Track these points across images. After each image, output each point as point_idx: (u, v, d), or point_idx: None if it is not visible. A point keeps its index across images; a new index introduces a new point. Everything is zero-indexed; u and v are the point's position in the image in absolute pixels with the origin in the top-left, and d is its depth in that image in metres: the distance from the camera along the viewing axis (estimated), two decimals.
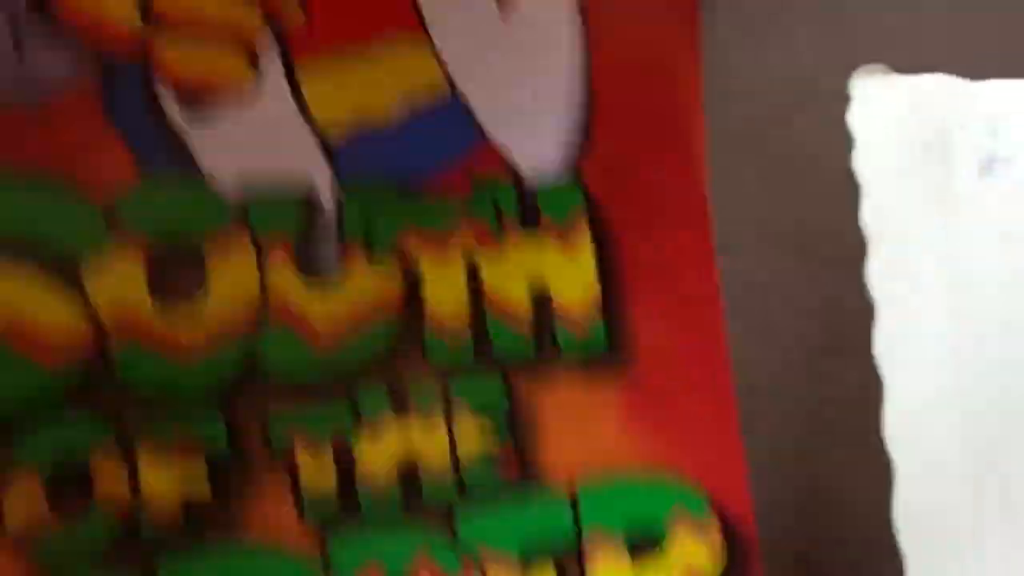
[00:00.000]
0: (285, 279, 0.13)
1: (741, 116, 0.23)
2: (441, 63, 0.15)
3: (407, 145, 0.15)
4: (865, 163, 0.21)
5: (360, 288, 0.14)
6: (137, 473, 0.13)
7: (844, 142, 0.21)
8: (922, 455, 0.19)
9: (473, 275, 0.16)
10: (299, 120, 0.14)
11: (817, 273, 0.22)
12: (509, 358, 0.15)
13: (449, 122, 0.15)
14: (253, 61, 0.13)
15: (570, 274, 0.16)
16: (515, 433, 0.15)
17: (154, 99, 0.12)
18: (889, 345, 0.20)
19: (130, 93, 0.12)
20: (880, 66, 0.21)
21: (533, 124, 0.16)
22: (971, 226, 0.20)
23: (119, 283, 0.12)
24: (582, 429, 0.16)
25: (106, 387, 0.12)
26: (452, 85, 0.15)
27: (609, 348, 0.16)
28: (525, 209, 0.16)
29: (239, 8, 0.13)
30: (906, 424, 0.19)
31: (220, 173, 0.13)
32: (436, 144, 0.15)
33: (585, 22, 0.17)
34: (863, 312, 0.20)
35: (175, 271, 0.13)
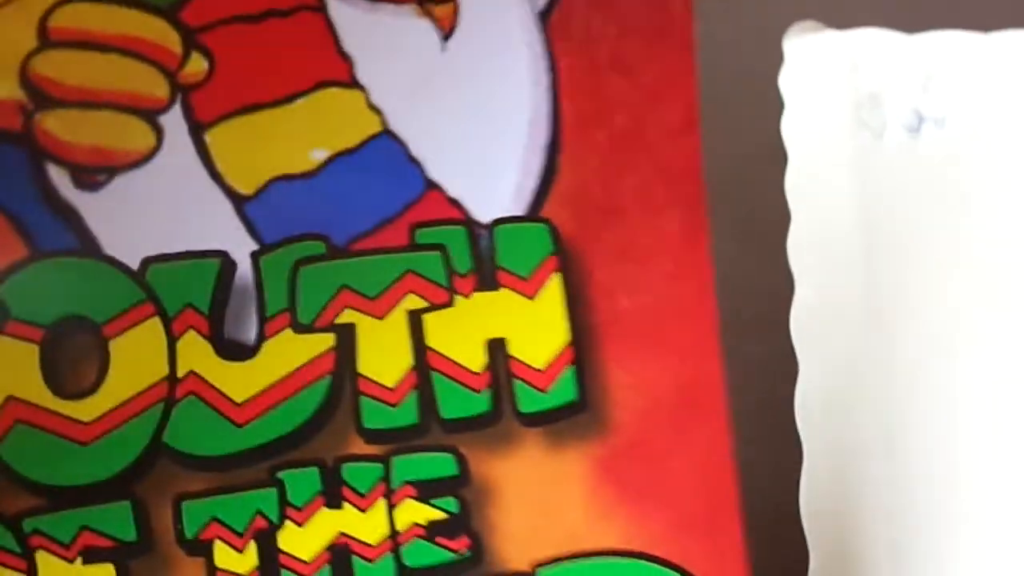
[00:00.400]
0: (198, 354, 0.12)
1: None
2: (373, 107, 0.14)
3: (335, 198, 0.13)
4: (792, 129, 0.20)
5: (285, 358, 0.12)
6: (36, 572, 0.11)
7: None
8: (833, 434, 0.19)
9: (418, 337, 0.14)
10: (207, 180, 0.12)
11: (747, 249, 0.22)
12: (460, 425, 0.13)
13: (384, 169, 0.14)
14: (151, 120, 0.12)
15: (533, 327, 0.14)
16: (466, 512, 0.12)
17: (41, 174, 0.11)
18: (803, 320, 0.20)
19: (14, 170, 0.11)
20: (813, 23, 0.21)
21: (488, 166, 0.15)
22: (893, 193, 0.20)
23: (10, 374, 0.11)
24: (545, 505, 0.13)
25: None
26: (387, 128, 0.14)
27: (580, 404, 0.13)
28: (480, 261, 0.14)
29: (129, 67, 0.12)
30: (817, 402, 0.19)
31: (119, 246, 0.12)
32: (369, 194, 0.14)
33: (547, 34, 0.15)
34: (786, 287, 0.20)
35: (75, 356, 0.12)
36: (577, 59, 0.16)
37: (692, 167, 0.16)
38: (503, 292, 0.14)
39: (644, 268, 0.15)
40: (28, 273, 0.12)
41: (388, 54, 0.15)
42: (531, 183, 0.15)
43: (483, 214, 0.15)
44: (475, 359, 0.14)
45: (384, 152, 0.14)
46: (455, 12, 0.15)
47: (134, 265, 0.13)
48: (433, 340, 0.14)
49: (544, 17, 0.16)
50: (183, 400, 0.13)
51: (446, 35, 0.15)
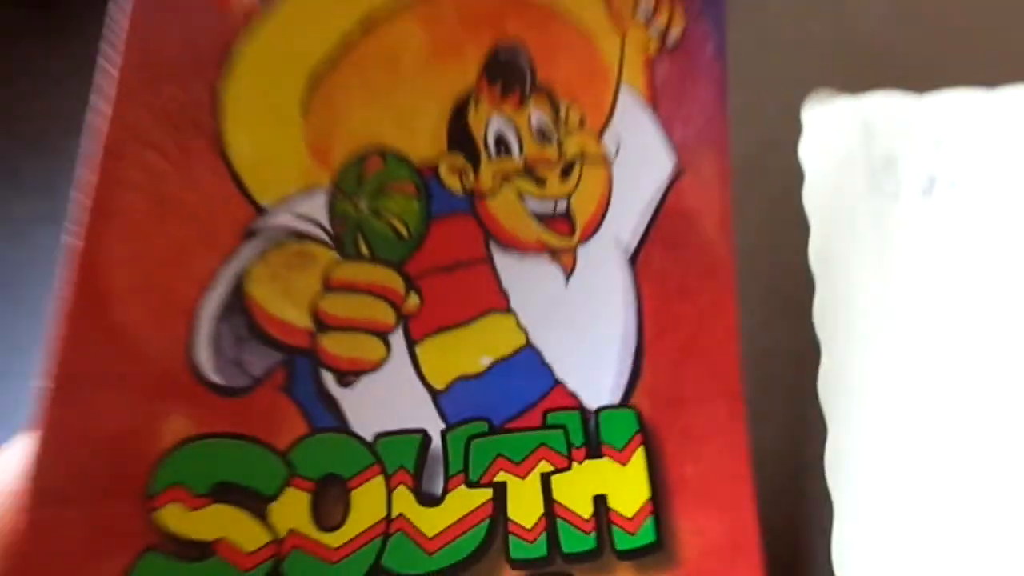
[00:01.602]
0: (405, 501, 0.17)
1: None
2: (521, 327, 0.20)
3: (496, 393, 0.19)
4: (813, 198, 0.20)
5: (459, 506, 0.18)
6: None
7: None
8: (862, 493, 0.19)
9: (547, 493, 0.19)
10: (416, 381, 0.18)
11: (775, 316, 0.23)
12: (575, 558, 0.18)
13: (528, 372, 0.20)
14: (385, 341, 0.18)
15: (625, 487, 0.20)
16: None
17: (319, 377, 0.17)
18: (830, 386, 0.20)
19: (303, 374, 0.16)
20: (829, 91, 0.21)
21: (595, 368, 0.21)
22: (911, 254, 0.19)
23: (293, 514, 0.16)
24: None
25: None
26: (530, 342, 0.19)
27: (657, 545, 0.19)
28: (589, 437, 0.20)
29: (374, 304, 0.18)
30: (846, 464, 0.19)
31: (362, 426, 0.17)
32: (518, 390, 0.20)
33: (634, 272, 0.22)
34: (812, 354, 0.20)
35: (330, 501, 0.16)
36: (654, 289, 0.22)
37: (733, 368, 0.22)
38: (605, 460, 0.20)
39: (701, 444, 0.21)
40: (306, 444, 0.18)
41: (530, 289, 0.21)
42: (623, 380, 0.21)
43: (592, 403, 0.21)
44: (585, 509, 0.20)
45: (527, 359, 0.21)
46: (574, 259, 0.22)
47: (369, 438, 0.19)
48: (557, 495, 0.20)
49: (633, 260, 0.22)
50: (395, 534, 0.18)
51: (568, 275, 0.22)
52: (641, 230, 0.22)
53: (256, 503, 0.17)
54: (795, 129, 0.23)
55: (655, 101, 0.23)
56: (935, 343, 0.20)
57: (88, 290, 0.16)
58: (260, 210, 0.18)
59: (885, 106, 0.21)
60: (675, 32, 0.24)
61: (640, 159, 0.23)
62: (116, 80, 0.17)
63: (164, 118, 0.17)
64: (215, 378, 0.17)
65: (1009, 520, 0.19)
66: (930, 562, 0.19)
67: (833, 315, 0.21)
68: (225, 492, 0.17)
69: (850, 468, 0.20)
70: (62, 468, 0.15)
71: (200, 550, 0.16)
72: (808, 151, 0.21)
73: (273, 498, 0.17)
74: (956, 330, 0.20)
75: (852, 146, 0.21)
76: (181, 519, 0.16)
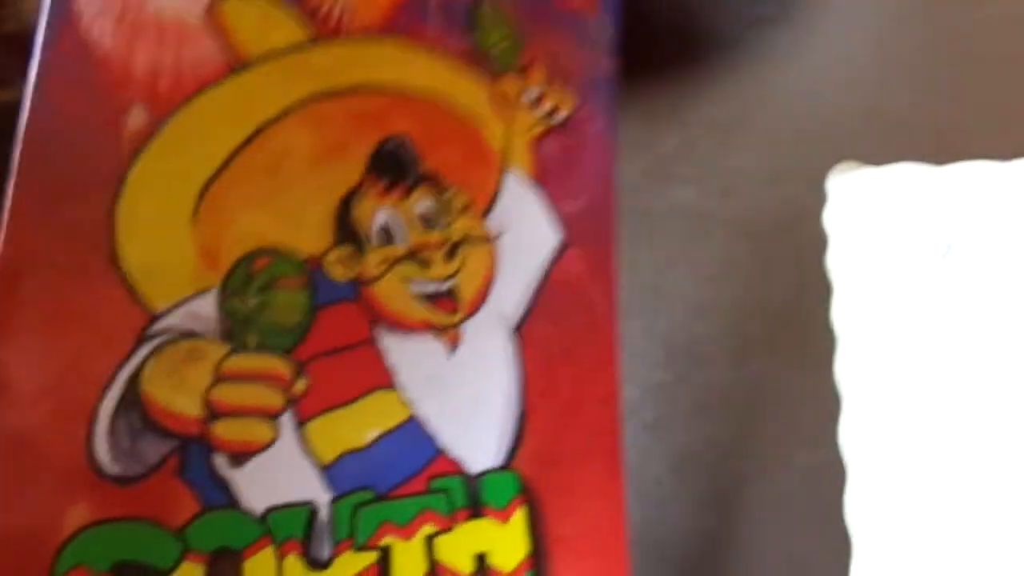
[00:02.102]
0: (295, 568, 0.19)
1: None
2: (405, 400, 0.22)
3: (381, 463, 0.21)
4: (837, 262, 0.22)
5: (346, 569, 0.20)
6: None
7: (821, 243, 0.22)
8: (884, 535, 0.20)
9: (430, 553, 0.21)
10: (304, 457, 0.20)
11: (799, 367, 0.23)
12: None
13: (412, 443, 0.22)
14: (275, 423, 0.20)
15: (506, 544, 0.21)
16: None
17: (210, 460, 0.19)
18: (852, 433, 0.21)
19: (196, 459, 0.18)
20: (854, 163, 0.23)
21: (478, 434, 0.23)
22: (927, 313, 0.21)
23: None
24: None
25: None
26: (413, 415, 0.21)
27: None
28: (472, 499, 0.22)
29: (263, 391, 0.20)
30: (867, 509, 0.20)
31: (252, 502, 0.19)
32: (403, 460, 0.21)
33: (519, 348, 0.24)
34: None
35: (224, 571, 0.19)
36: (536, 356, 0.24)
37: (612, 428, 0.24)
38: (486, 520, 0.22)
39: (580, 501, 0.23)
40: (200, 523, 0.20)
41: (414, 365, 0.23)
42: (506, 444, 0.23)
43: (474, 467, 0.23)
44: (466, 566, 0.22)
45: (411, 430, 0.23)
46: (459, 334, 0.24)
47: (259, 512, 0.21)
48: (439, 554, 0.22)
49: (517, 330, 0.24)
50: None
51: (452, 349, 0.23)
52: (525, 302, 0.24)
53: None
54: (821, 196, 0.23)
55: (541, 178, 0.25)
56: (953, 393, 0.21)
57: None
58: (153, 315, 0.20)
59: (906, 176, 0.22)
60: (563, 113, 0.26)
61: (525, 236, 0.25)
62: (14, 200, 0.19)
63: (60, 236, 0.19)
64: (113, 469, 0.19)
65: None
66: None
67: (854, 368, 0.22)
68: (125, 569, 0.19)
69: (870, 512, 0.21)
70: None
71: None
72: (832, 218, 0.22)
73: (169, 572, 0.19)
74: (971, 381, 0.21)
75: (874, 213, 0.22)
76: None
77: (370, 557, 0.21)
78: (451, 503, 0.22)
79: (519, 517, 0.23)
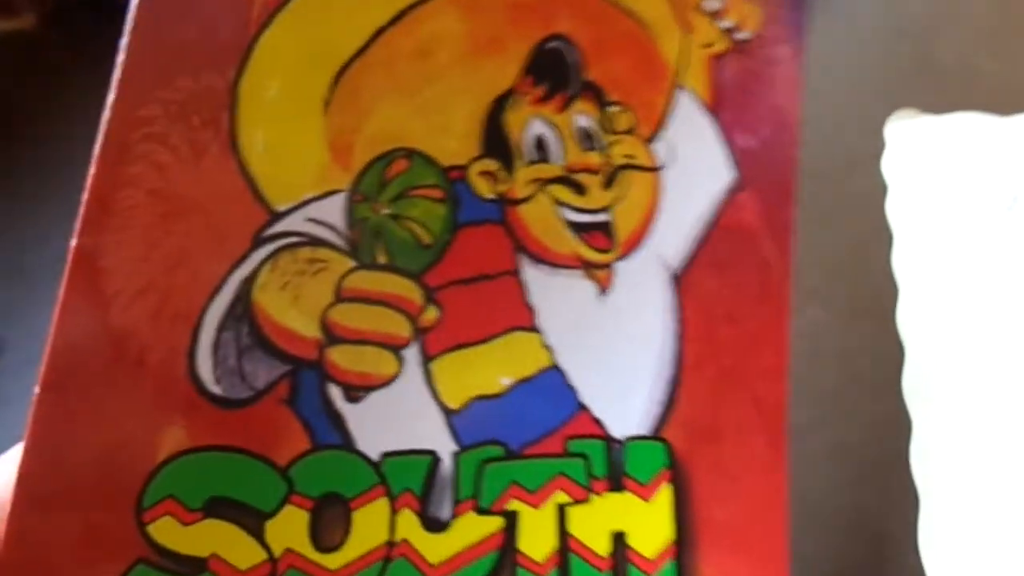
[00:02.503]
0: (409, 525, 0.16)
1: None
2: (546, 346, 0.19)
3: (514, 414, 0.18)
4: (896, 209, 0.21)
5: (467, 533, 0.17)
6: None
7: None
8: (948, 489, 0.19)
9: (562, 525, 0.18)
10: (429, 399, 0.17)
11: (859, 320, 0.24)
12: None
13: (551, 395, 0.19)
14: (398, 355, 0.17)
15: (647, 525, 0.18)
16: None
17: (325, 391, 0.16)
18: (914, 385, 0.20)
19: (308, 388, 0.16)
20: (913, 110, 0.22)
21: (625, 394, 0.19)
22: (990, 266, 0.20)
23: (290, 533, 0.15)
24: None
25: None
26: (555, 363, 0.18)
27: None
28: (613, 468, 0.19)
29: (389, 316, 0.17)
30: (932, 460, 0.19)
31: (367, 444, 0.16)
32: (539, 414, 0.18)
33: (677, 292, 0.20)
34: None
35: (330, 521, 0.16)
36: (698, 312, 0.20)
37: (779, 401, 0.21)
38: (626, 495, 0.19)
39: (736, 483, 0.20)
40: (308, 461, 0.17)
41: (560, 306, 0.20)
42: (656, 409, 0.20)
43: (618, 431, 0.19)
44: (602, 546, 0.19)
45: (550, 381, 0.19)
46: (611, 275, 0.20)
47: (375, 457, 0.18)
48: (573, 528, 0.19)
49: (676, 279, 0.21)
50: (396, 560, 0.18)
51: (602, 292, 0.20)
52: (689, 247, 0.21)
53: (252, 520, 0.16)
54: (878, 145, 0.23)
55: (717, 105, 0.21)
56: (1016, 345, 0.20)
57: (88, 291, 0.16)
58: (273, 213, 0.17)
59: (968, 126, 0.21)
60: (746, 31, 0.22)
61: (694, 169, 0.21)
62: (124, 70, 0.16)
63: (175, 112, 0.16)
64: (216, 389, 0.16)
65: None
66: (1019, 552, 0.19)
67: (917, 318, 0.21)
68: (220, 507, 0.16)
69: (936, 463, 0.20)
70: (52, 476, 0.15)
71: (192, 565, 0.16)
72: (891, 165, 0.22)
73: (270, 515, 0.16)
74: None
75: (935, 162, 0.21)
76: (173, 533, 0.16)
77: (495, 523, 0.18)
78: (589, 470, 0.19)
79: (664, 495, 0.19)
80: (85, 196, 0.15)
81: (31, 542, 0.15)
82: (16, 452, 0.15)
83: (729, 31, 0.22)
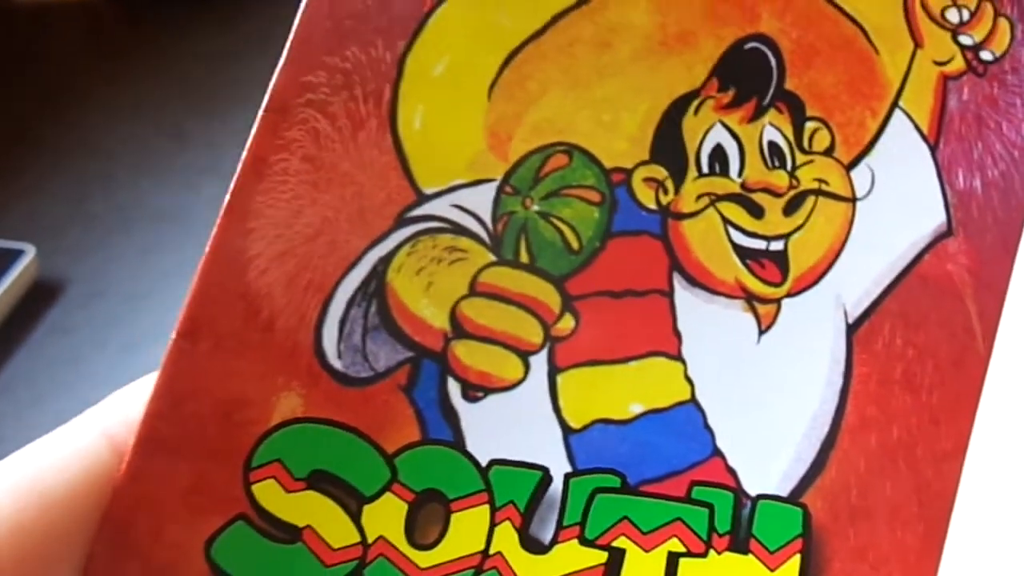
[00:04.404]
0: (507, 540, 0.15)
1: None
2: (688, 378, 0.17)
3: (639, 446, 0.17)
4: None
5: (567, 561, 0.16)
6: None
7: None
8: None
9: (671, 574, 0.16)
10: (550, 412, 0.16)
11: None
12: None
13: (685, 433, 0.17)
14: (525, 361, 0.16)
15: None
16: None
17: (444, 384, 0.15)
18: None
19: (428, 378, 0.15)
20: None
21: (768, 447, 0.17)
22: None
23: (386, 521, 0.15)
24: None
25: None
26: (694, 398, 0.17)
27: None
28: (738, 526, 0.17)
29: (522, 318, 0.16)
30: None
31: (478, 447, 0.16)
32: (667, 451, 0.17)
33: (851, 344, 0.18)
34: None
35: (428, 518, 0.15)
36: (872, 370, 0.18)
37: (948, 491, 0.18)
38: (749, 558, 0.17)
39: (876, 572, 0.17)
40: (415, 453, 0.17)
41: (711, 337, 0.18)
42: (800, 470, 0.18)
43: (751, 487, 0.17)
44: None
45: (687, 417, 0.18)
46: (777, 312, 0.18)
47: (483, 462, 0.17)
48: None
49: (852, 329, 0.18)
50: (488, 572, 0.17)
51: (763, 330, 0.18)
52: (875, 294, 0.18)
53: (351, 500, 0.16)
54: None
55: (939, 134, 0.18)
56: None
57: (230, 247, 0.16)
58: (420, 195, 0.17)
59: None
60: (993, 48, 0.19)
61: (898, 205, 0.18)
62: (297, 34, 0.16)
63: (339, 80, 0.16)
64: (337, 363, 0.16)
65: None
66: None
67: None
68: (323, 481, 0.16)
69: None
70: (173, 421, 0.16)
71: (288, 532, 0.16)
72: None
73: (370, 500, 0.16)
74: None
75: None
76: (276, 497, 0.16)
77: (598, 556, 0.17)
78: (712, 523, 0.17)
79: (792, 567, 0.17)
80: (244, 155, 0.16)
81: (146, 480, 0.15)
82: (138, 386, 0.16)
83: (970, 48, 0.18)
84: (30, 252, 0.45)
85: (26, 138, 0.51)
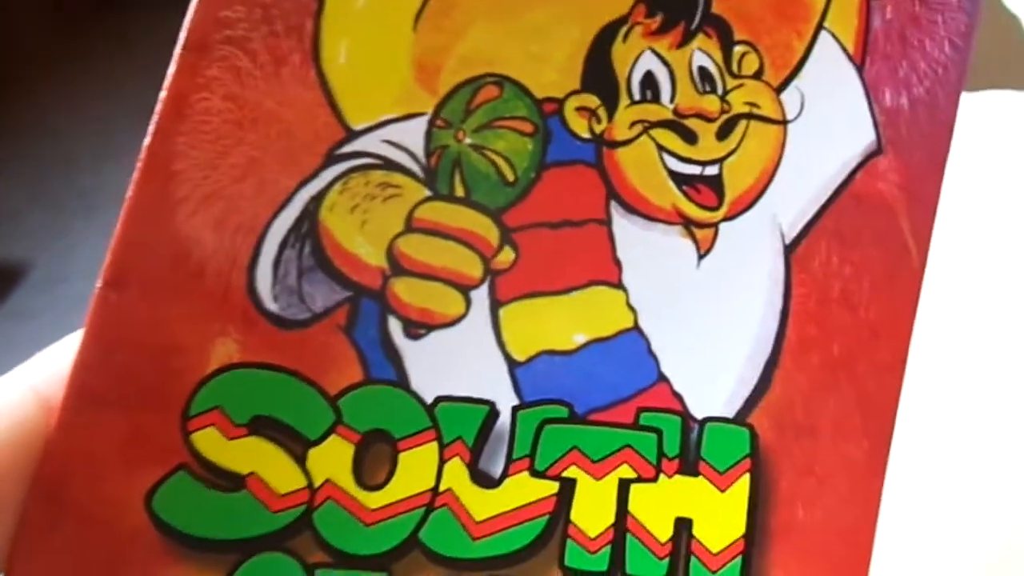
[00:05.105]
0: (457, 476, 0.15)
1: None
2: (630, 306, 0.17)
3: (584, 375, 0.17)
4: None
5: (518, 494, 0.16)
6: None
7: None
8: None
9: (622, 502, 0.16)
10: (494, 346, 0.16)
11: None
12: None
13: (629, 360, 0.17)
14: (466, 296, 0.16)
15: (718, 516, 0.16)
16: None
17: (385, 323, 0.15)
18: None
19: (368, 317, 0.15)
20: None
21: (712, 370, 0.17)
22: None
23: (332, 464, 0.15)
24: None
25: (303, 535, 0.14)
26: (637, 325, 0.17)
27: None
28: (687, 449, 0.17)
29: (460, 252, 0.16)
30: None
31: (423, 385, 0.15)
32: (612, 378, 0.17)
33: (789, 265, 0.18)
34: None
35: (374, 459, 0.15)
36: (810, 290, 0.18)
37: (890, 403, 0.18)
38: (699, 480, 0.17)
39: (823, 486, 0.18)
40: (359, 394, 0.16)
41: (651, 264, 0.18)
42: (744, 391, 0.18)
43: (698, 410, 0.18)
44: (664, 531, 0.17)
45: (630, 345, 0.18)
46: (715, 236, 0.18)
47: (429, 400, 0.17)
48: (634, 507, 0.17)
49: (790, 249, 0.18)
50: (439, 509, 0.17)
51: (702, 255, 0.18)
52: (810, 213, 0.18)
53: (296, 444, 0.16)
54: None
55: (864, 55, 0.18)
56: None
57: (156, 193, 0.15)
58: (349, 131, 0.16)
59: None
60: None
61: (828, 125, 0.18)
62: None
63: (258, 15, 0.16)
64: (272, 306, 0.16)
65: None
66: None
67: None
68: (265, 426, 0.16)
69: None
70: (104, 372, 0.15)
71: (231, 481, 0.16)
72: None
73: (315, 443, 0.16)
74: None
75: None
76: (216, 445, 0.15)
77: (549, 487, 0.17)
78: (661, 448, 0.17)
79: (741, 486, 0.17)
80: (162, 95, 0.15)
81: (79, 434, 0.15)
82: (67, 342, 0.15)
83: None
84: None
85: None
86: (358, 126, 0.16)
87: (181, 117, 0.16)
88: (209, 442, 0.15)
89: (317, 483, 0.16)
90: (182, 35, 0.15)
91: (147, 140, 0.15)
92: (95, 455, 0.15)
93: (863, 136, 0.18)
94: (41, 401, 0.15)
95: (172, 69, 0.15)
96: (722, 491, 0.17)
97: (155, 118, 0.15)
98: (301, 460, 0.16)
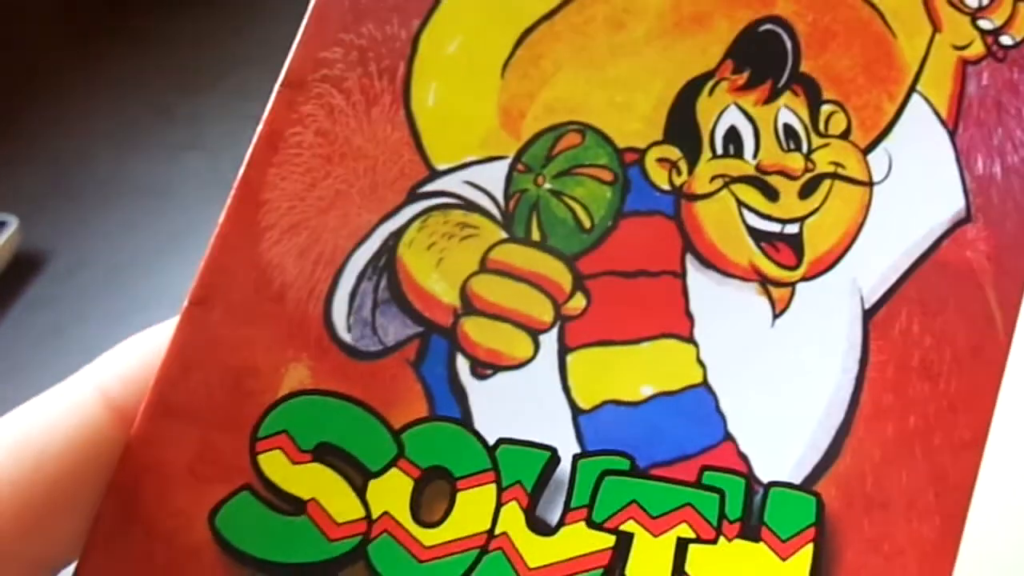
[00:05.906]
0: (513, 520, 0.15)
1: None
2: (700, 361, 0.17)
3: (649, 429, 0.16)
4: None
5: (573, 544, 0.15)
6: None
7: None
8: None
9: (679, 562, 0.16)
10: (559, 392, 0.16)
11: None
12: None
13: (696, 416, 0.17)
14: (535, 339, 0.16)
15: None
16: None
17: (453, 361, 0.15)
18: None
19: (437, 354, 0.15)
20: None
21: (781, 433, 0.17)
22: None
23: (391, 497, 0.15)
24: None
25: (356, 565, 0.15)
26: (706, 382, 0.16)
27: None
28: (749, 514, 0.16)
29: (532, 296, 0.16)
30: None
31: (486, 425, 0.15)
32: (677, 434, 0.17)
33: (867, 330, 0.18)
34: None
35: (434, 495, 0.15)
36: (889, 357, 0.17)
37: (966, 481, 0.17)
38: (760, 546, 0.17)
39: (891, 563, 0.17)
40: (422, 429, 0.17)
41: (724, 320, 0.18)
42: (814, 458, 0.17)
43: (764, 474, 0.17)
44: None
45: (698, 401, 0.17)
46: (791, 296, 0.18)
47: (491, 441, 0.17)
48: (691, 568, 0.17)
49: (869, 314, 0.18)
50: (493, 552, 0.17)
51: (777, 314, 0.18)
52: (892, 279, 0.18)
53: (357, 475, 0.16)
54: None
55: (957, 120, 0.18)
56: None
57: (243, 219, 0.16)
58: (432, 171, 0.17)
59: None
60: (1013, 33, 0.18)
61: (916, 190, 0.18)
62: (314, 11, 0.16)
63: (354, 56, 0.16)
64: (346, 336, 0.16)
65: None
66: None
67: None
68: (329, 454, 0.16)
69: None
70: (183, 387, 0.16)
71: (293, 505, 0.16)
72: None
73: (376, 475, 0.16)
74: None
75: None
76: (281, 468, 0.16)
77: (605, 540, 0.16)
78: (722, 509, 0.17)
79: (804, 557, 0.17)
80: (259, 128, 0.16)
81: (154, 445, 0.15)
82: (132, 342, 0.16)
83: (990, 33, 0.18)
84: (13, 223, 0.45)
85: (4, 111, 0.52)
86: (441, 166, 0.17)
87: (274, 149, 0.16)
88: (274, 465, 0.16)
89: (375, 515, 0.16)
90: (283, 72, 0.16)
91: (241, 170, 0.16)
92: (166, 468, 0.16)
93: (952, 202, 0.18)
94: (107, 400, 0.15)
95: (270, 103, 0.16)
96: (783, 559, 0.17)
97: (250, 149, 0.16)
98: (361, 491, 0.16)
